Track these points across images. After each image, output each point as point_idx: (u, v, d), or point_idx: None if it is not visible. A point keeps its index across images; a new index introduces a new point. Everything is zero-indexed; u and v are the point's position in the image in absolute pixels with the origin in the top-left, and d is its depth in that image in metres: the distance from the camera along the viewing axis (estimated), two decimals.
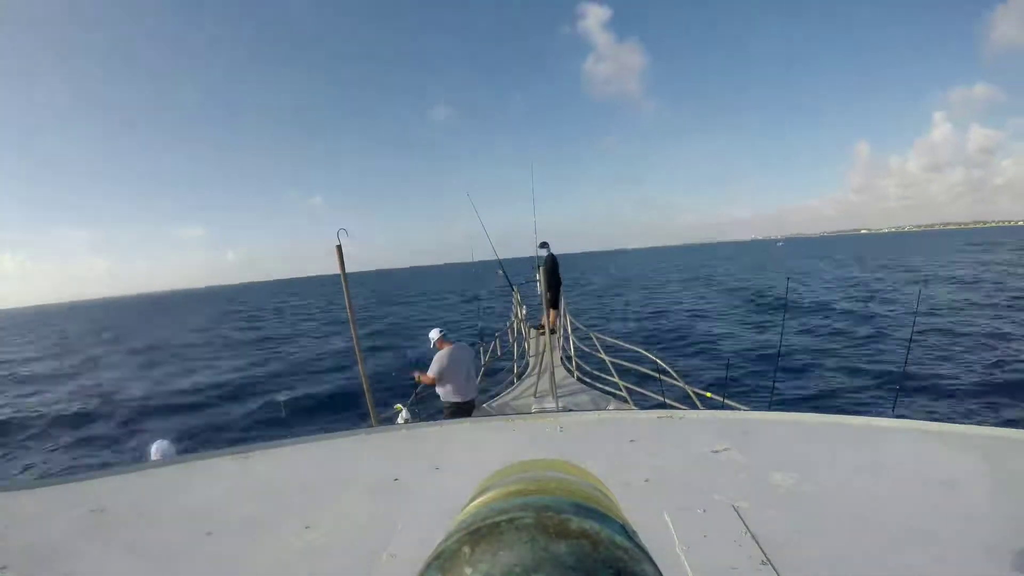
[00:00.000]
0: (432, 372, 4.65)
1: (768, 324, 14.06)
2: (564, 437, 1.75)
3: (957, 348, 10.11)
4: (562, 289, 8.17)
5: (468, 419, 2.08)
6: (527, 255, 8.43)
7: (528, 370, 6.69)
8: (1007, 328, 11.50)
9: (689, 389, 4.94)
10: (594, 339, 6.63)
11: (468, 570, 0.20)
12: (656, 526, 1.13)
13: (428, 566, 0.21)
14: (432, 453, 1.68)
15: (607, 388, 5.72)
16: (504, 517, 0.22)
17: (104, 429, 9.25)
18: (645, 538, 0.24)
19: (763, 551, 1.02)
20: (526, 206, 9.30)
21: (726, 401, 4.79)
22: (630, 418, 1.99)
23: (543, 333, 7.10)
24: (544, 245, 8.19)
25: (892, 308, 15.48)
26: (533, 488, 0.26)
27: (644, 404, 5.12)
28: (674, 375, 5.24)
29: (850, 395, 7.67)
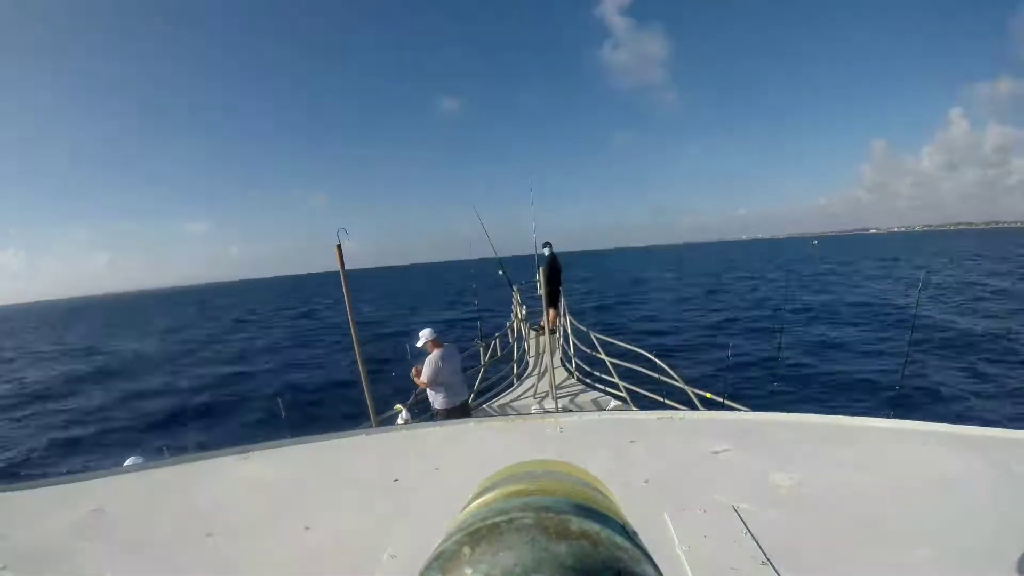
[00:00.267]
0: (425, 376, 4.40)
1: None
2: (564, 437, 1.75)
3: None
4: (562, 289, 8.18)
5: (468, 419, 2.08)
6: (544, 252, 8.44)
7: (528, 370, 6.69)
8: None
9: (689, 389, 4.94)
10: (594, 339, 6.63)
11: (468, 570, 0.20)
12: (656, 526, 1.13)
13: (428, 566, 0.21)
14: (432, 453, 1.68)
15: (607, 388, 5.72)
16: (504, 518, 0.22)
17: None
18: (645, 538, 0.24)
19: (763, 551, 1.02)
20: (538, 201, 9.29)
21: (726, 401, 4.79)
22: (630, 418, 1.99)
23: (543, 333, 7.11)
24: (547, 245, 8.23)
25: None
26: (533, 488, 0.26)
27: (644, 404, 5.12)
28: (674, 375, 5.24)
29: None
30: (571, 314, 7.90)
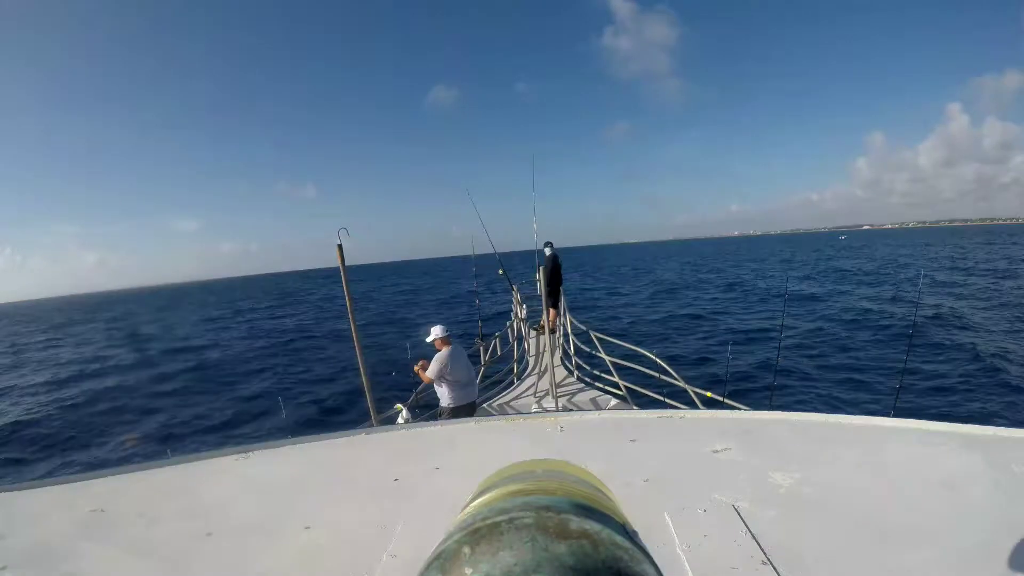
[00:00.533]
0: (432, 372, 4.42)
1: None
2: (564, 437, 1.75)
3: None
4: (562, 289, 8.18)
5: (468, 419, 2.08)
6: (546, 251, 8.42)
7: (528, 370, 6.69)
8: None
9: (689, 389, 4.94)
10: (594, 339, 6.63)
11: (468, 570, 0.20)
12: (656, 526, 1.13)
13: (428, 566, 0.21)
14: (432, 453, 1.68)
15: (607, 388, 5.72)
16: (504, 517, 0.22)
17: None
18: (645, 538, 0.24)
19: (763, 551, 1.02)
20: (535, 196, 9.25)
21: (726, 401, 4.79)
22: (630, 418, 1.99)
23: (543, 333, 7.11)
24: (548, 244, 8.25)
25: None
26: (533, 488, 0.26)
27: (644, 404, 5.12)
28: (674, 375, 5.24)
29: None
30: (571, 312, 7.90)
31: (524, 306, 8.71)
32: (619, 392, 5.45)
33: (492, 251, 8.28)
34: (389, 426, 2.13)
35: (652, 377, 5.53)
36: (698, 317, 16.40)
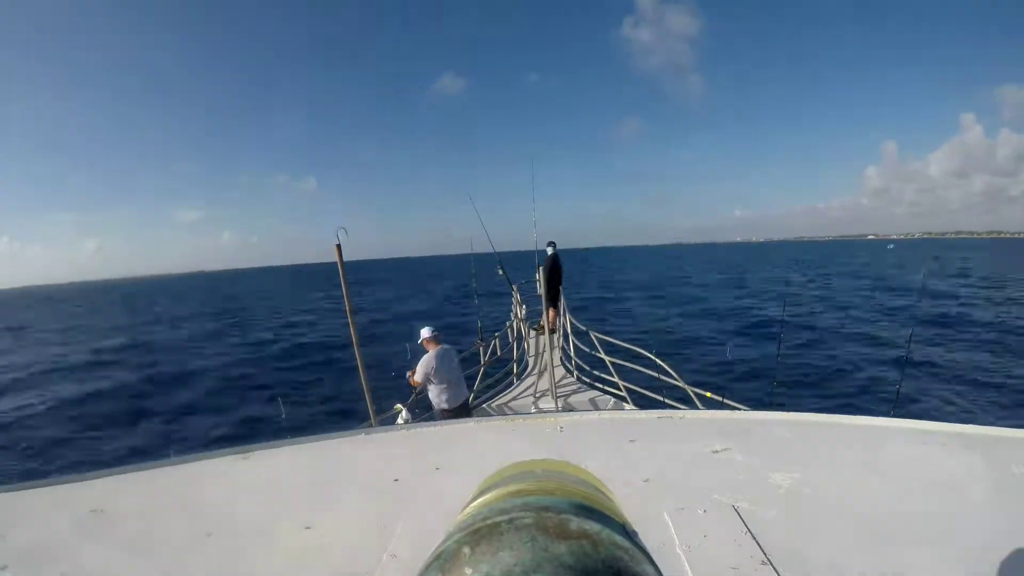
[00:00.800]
0: (418, 375, 4.35)
1: None
2: (564, 437, 1.75)
3: None
4: (562, 288, 8.18)
5: (468, 419, 2.08)
6: (548, 251, 8.38)
7: (528, 370, 6.69)
8: None
9: (689, 389, 4.94)
10: (594, 339, 6.63)
11: (468, 570, 0.20)
12: (656, 526, 1.13)
13: (428, 566, 0.21)
14: (432, 453, 1.68)
15: (607, 388, 5.73)
16: (504, 517, 0.22)
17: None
18: (645, 538, 0.24)
19: (763, 551, 1.02)
20: (534, 196, 9.22)
21: (726, 401, 4.80)
22: (630, 418, 1.99)
23: (543, 333, 7.11)
24: (551, 244, 8.27)
25: None
26: (533, 488, 0.26)
27: (644, 404, 5.12)
28: (674, 375, 5.24)
29: None
30: (570, 312, 7.90)
31: (524, 306, 8.71)
32: (619, 392, 5.45)
33: (492, 251, 8.29)
34: (389, 426, 2.13)
35: (652, 377, 5.54)
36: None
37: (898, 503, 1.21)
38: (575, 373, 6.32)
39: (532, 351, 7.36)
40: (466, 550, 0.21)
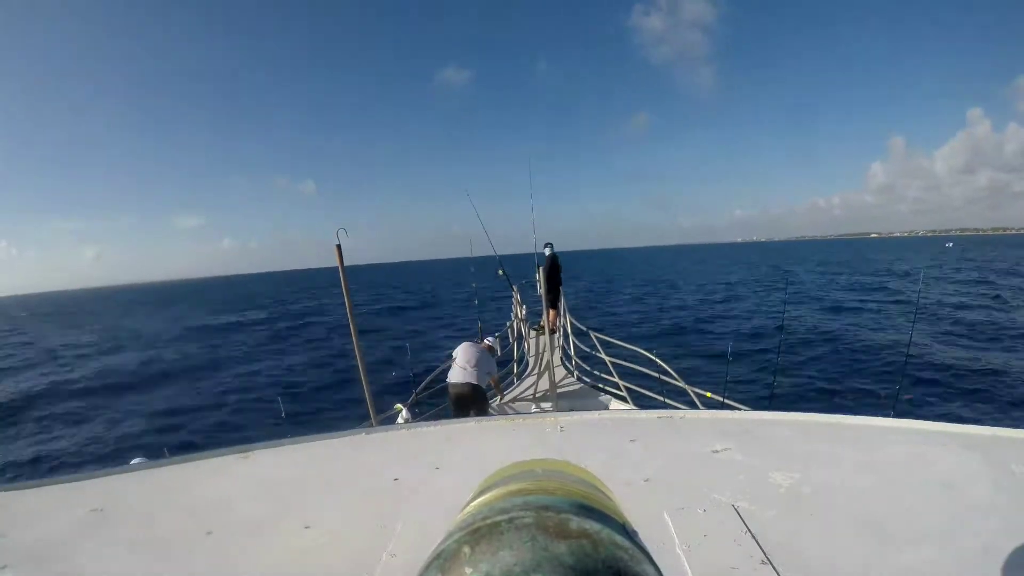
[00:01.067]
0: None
1: None
2: (564, 437, 1.75)
3: None
4: (562, 289, 8.20)
5: (468, 419, 2.08)
6: (545, 252, 8.37)
7: (528, 370, 6.69)
8: None
9: (689, 389, 4.95)
10: (594, 339, 6.64)
11: (468, 570, 0.20)
12: (656, 526, 1.13)
13: (428, 566, 0.21)
14: (432, 453, 1.68)
15: (607, 388, 5.73)
16: (504, 517, 0.22)
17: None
18: (645, 538, 0.24)
19: (763, 551, 1.02)
20: (542, 193, 9.24)
21: (726, 401, 4.80)
22: (630, 418, 1.99)
23: (543, 333, 7.11)
24: (548, 245, 8.32)
25: None
26: (533, 488, 0.26)
27: (644, 404, 5.12)
28: (674, 375, 5.25)
29: None
30: (571, 313, 7.91)
31: (524, 306, 8.72)
32: (619, 392, 5.45)
33: (493, 253, 8.31)
34: (389, 426, 2.13)
35: (652, 377, 5.54)
36: None
37: (898, 503, 1.21)
38: (575, 373, 6.32)
39: (532, 351, 7.37)
40: (466, 549, 0.21)
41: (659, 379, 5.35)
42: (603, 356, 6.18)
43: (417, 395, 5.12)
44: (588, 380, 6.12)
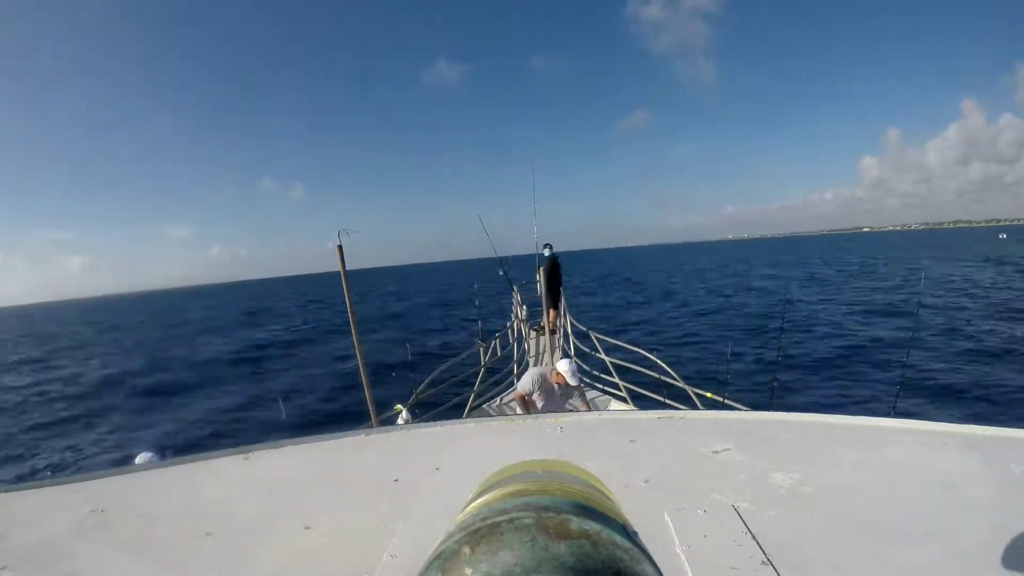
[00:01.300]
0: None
1: None
2: (564, 437, 1.75)
3: None
4: (562, 289, 8.20)
5: (468, 419, 2.08)
6: (545, 252, 8.37)
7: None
8: None
9: (689, 389, 4.95)
10: (594, 339, 6.64)
11: (468, 570, 0.20)
12: (656, 526, 1.13)
13: (428, 566, 0.21)
14: (432, 453, 1.68)
15: (607, 388, 5.73)
16: (504, 517, 0.22)
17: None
18: (645, 538, 0.24)
19: (763, 551, 1.02)
20: (542, 193, 9.29)
21: (726, 401, 4.80)
22: (630, 418, 1.99)
23: (543, 333, 7.12)
24: (547, 246, 8.35)
25: None
26: (533, 488, 0.26)
27: (644, 404, 5.13)
28: (674, 375, 5.25)
29: None
30: (571, 314, 7.91)
31: (524, 307, 8.73)
32: (619, 393, 5.45)
33: (494, 255, 8.34)
34: (389, 426, 2.13)
35: (652, 378, 5.54)
36: None
37: (898, 503, 1.21)
38: None
39: (532, 351, 7.37)
40: (466, 550, 0.21)
41: (659, 380, 5.35)
42: (603, 356, 6.19)
43: (417, 396, 5.12)
44: (588, 380, 6.12)
